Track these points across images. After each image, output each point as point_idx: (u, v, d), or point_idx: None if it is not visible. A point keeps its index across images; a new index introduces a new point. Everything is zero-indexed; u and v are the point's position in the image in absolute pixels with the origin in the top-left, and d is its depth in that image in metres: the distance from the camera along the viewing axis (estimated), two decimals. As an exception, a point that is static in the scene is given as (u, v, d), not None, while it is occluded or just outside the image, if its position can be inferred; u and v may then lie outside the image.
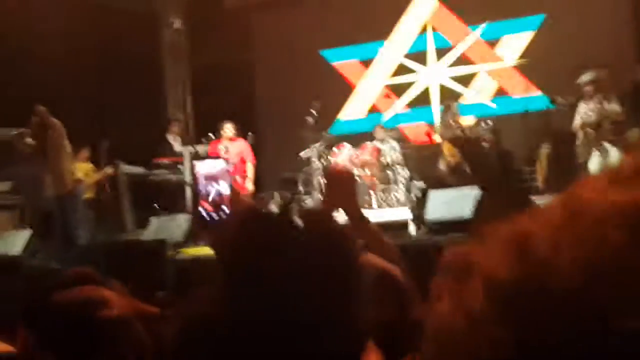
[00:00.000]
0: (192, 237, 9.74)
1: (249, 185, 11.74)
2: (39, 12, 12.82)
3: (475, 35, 14.32)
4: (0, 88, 12.43)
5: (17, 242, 10.02)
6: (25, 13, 12.67)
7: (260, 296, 1.28)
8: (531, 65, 13.52)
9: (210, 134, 11.88)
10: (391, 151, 12.05)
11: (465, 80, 14.37)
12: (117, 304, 2.42)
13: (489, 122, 12.05)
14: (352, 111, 15.26)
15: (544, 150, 11.57)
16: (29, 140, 9.82)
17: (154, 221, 10.32)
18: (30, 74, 12.54)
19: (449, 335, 0.66)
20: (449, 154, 11.65)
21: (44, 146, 9.76)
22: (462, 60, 14.45)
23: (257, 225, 1.37)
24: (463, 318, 0.65)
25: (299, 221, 1.35)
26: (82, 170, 12.02)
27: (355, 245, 1.40)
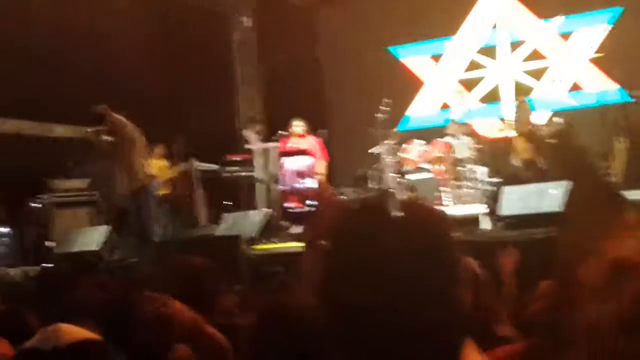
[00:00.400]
0: (264, 233, 9.81)
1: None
2: (111, 11, 13.06)
3: (549, 28, 14.10)
4: (77, 87, 12.71)
5: (95, 238, 10.25)
6: (97, 13, 12.92)
7: (364, 282, 1.30)
8: (608, 58, 13.24)
9: (280, 132, 11.95)
10: (462, 147, 11.95)
11: (538, 74, 14.16)
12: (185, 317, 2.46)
13: (564, 116, 11.86)
14: (422, 107, 15.17)
15: (622, 144, 11.34)
16: (104, 137, 10.02)
17: (227, 217, 10.43)
18: (105, 72, 12.81)
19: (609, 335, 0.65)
20: (522, 149, 11.51)
21: (118, 143, 9.94)
22: (536, 54, 14.24)
23: (358, 213, 1.39)
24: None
25: (396, 210, 1.37)
26: (156, 167, 12.22)
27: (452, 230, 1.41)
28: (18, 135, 13.30)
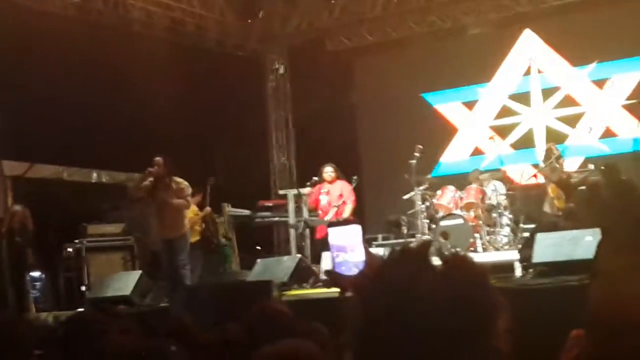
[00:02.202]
0: (296, 279, 9.80)
1: None
2: (149, 58, 13.29)
3: (582, 75, 14.08)
4: (113, 134, 12.91)
5: (128, 282, 10.30)
6: (135, 60, 13.15)
7: (401, 330, 1.30)
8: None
9: (314, 177, 11.99)
10: (496, 193, 11.89)
11: (572, 121, 14.11)
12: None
13: (597, 163, 11.77)
14: (455, 153, 15.16)
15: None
16: (146, 184, 10.15)
17: (260, 263, 10.44)
18: (140, 119, 13.00)
19: None
20: (555, 196, 11.43)
21: (164, 193, 10.07)
22: (569, 100, 14.21)
23: (398, 264, 1.39)
24: None
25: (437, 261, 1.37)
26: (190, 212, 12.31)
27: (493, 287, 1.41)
28: (57, 180, 13.51)
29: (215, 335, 4.37)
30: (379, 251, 10.23)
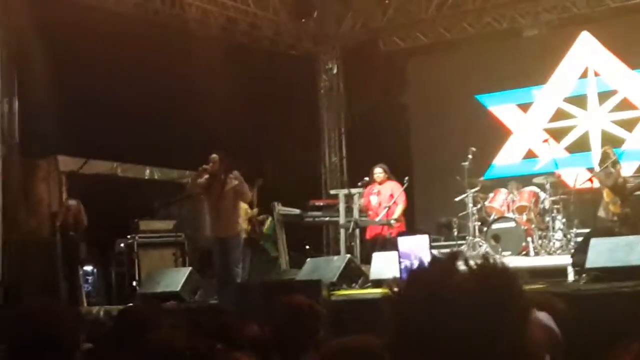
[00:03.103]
0: (345, 279, 9.78)
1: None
2: (203, 57, 13.39)
3: (640, 78, 13.82)
4: (163, 131, 13.04)
5: (178, 278, 10.39)
6: (190, 58, 13.27)
7: (434, 337, 1.30)
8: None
9: (366, 178, 11.96)
10: (549, 197, 11.73)
11: (628, 125, 13.86)
12: None
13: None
14: (508, 156, 15.00)
15: None
16: (202, 181, 10.12)
17: (310, 262, 10.45)
18: (194, 118, 13.10)
19: None
20: (610, 201, 11.24)
21: (219, 191, 10.03)
22: (626, 104, 13.96)
23: (428, 270, 1.39)
24: None
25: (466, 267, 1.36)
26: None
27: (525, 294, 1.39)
28: (111, 176, 13.70)
29: (259, 334, 4.38)
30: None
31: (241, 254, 10.38)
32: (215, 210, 10.11)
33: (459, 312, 1.29)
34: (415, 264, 1.47)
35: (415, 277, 1.38)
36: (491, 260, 1.37)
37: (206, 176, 10.00)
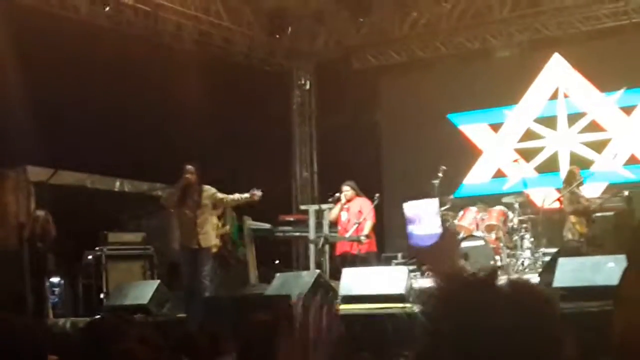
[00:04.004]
0: (315, 294, 9.77)
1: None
2: (177, 70, 13.37)
3: (610, 101, 14.01)
4: (134, 143, 12.98)
5: (146, 291, 10.33)
6: (164, 71, 13.24)
7: (465, 353, 1.33)
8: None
9: (337, 194, 11.99)
10: (518, 216, 11.83)
11: (597, 146, 14.03)
12: None
13: (623, 190, 11.70)
14: (478, 175, 15.11)
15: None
16: (173, 195, 10.14)
17: (279, 277, 10.43)
18: (164, 129, 13.06)
19: None
20: (577, 222, 11.36)
21: (193, 202, 10.03)
22: (595, 126, 14.14)
23: (466, 288, 1.41)
24: None
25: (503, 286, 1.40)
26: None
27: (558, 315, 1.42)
28: (81, 187, 13.59)
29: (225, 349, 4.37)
30: (400, 269, 10.19)
31: (210, 267, 10.36)
32: (190, 222, 10.08)
33: (493, 331, 1.32)
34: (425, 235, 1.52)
35: (453, 293, 1.40)
36: (527, 283, 1.41)
37: (180, 189, 10.05)
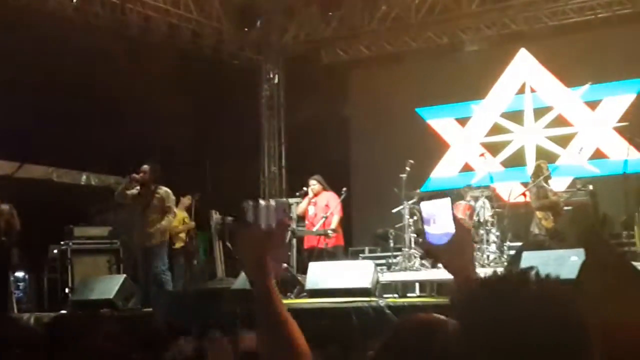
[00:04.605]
0: (280, 289, 9.76)
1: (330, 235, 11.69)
2: (144, 62, 13.28)
3: (575, 96, 14.15)
4: (101, 137, 12.89)
5: (112, 285, 10.27)
6: (131, 63, 13.15)
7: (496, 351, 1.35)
8: (632, 127, 13.21)
9: (305, 188, 12.00)
10: (484, 210, 11.90)
11: (563, 141, 14.17)
12: None
13: (588, 185, 11.82)
14: (445, 169, 15.20)
15: (644, 214, 11.24)
16: (132, 192, 10.17)
17: (246, 271, 10.41)
18: (131, 123, 12.99)
19: None
20: (543, 217, 11.45)
21: (146, 201, 10.09)
22: (561, 121, 14.28)
23: (496, 288, 1.44)
24: None
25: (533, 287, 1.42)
26: (178, 218, 12.30)
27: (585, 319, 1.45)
28: (46, 181, 13.48)
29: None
30: (367, 263, 10.22)
31: (173, 261, 10.40)
32: (140, 220, 10.14)
33: (522, 324, 1.35)
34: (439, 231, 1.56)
35: (488, 285, 1.44)
36: (554, 284, 1.44)
37: (137, 187, 10.09)
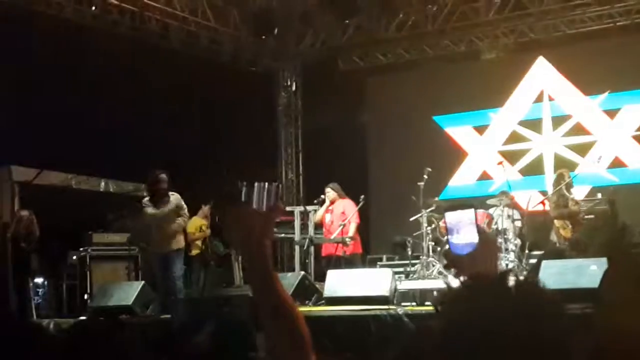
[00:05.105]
0: (298, 295, 9.78)
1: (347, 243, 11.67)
2: (163, 70, 13.35)
3: (594, 104, 14.10)
4: (120, 144, 12.96)
5: (130, 292, 10.31)
6: (149, 71, 13.22)
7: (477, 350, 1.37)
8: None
9: (322, 196, 12.00)
10: (503, 218, 11.85)
11: (581, 149, 14.10)
12: None
13: (605, 193, 11.76)
14: (463, 177, 15.16)
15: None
16: (147, 201, 10.23)
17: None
18: (150, 130, 13.04)
19: None
20: (561, 226, 11.39)
21: (164, 208, 10.15)
22: (579, 129, 14.22)
23: (476, 289, 1.47)
24: None
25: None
26: (196, 225, 12.33)
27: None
28: (65, 187, 13.54)
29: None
30: (385, 271, 10.20)
31: (191, 268, 10.41)
32: (158, 227, 10.18)
33: (504, 317, 1.37)
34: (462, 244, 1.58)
35: (474, 284, 1.47)
36: (532, 285, 1.47)
37: (148, 198, 10.20)
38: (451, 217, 2.19)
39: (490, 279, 1.47)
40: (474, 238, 2.14)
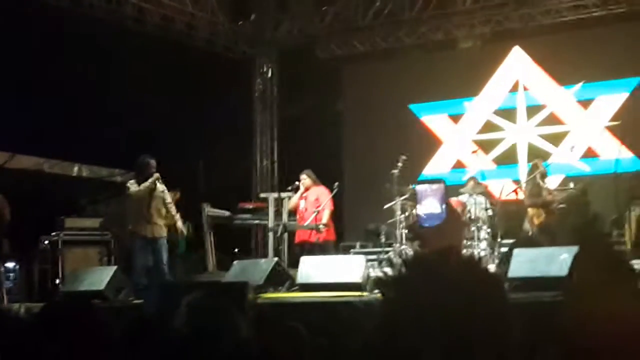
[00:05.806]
0: (272, 282, 9.79)
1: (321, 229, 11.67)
2: (138, 54, 13.27)
3: (568, 95, 14.18)
4: (94, 128, 12.88)
5: (103, 277, 10.26)
6: (124, 55, 13.13)
7: (417, 331, 1.40)
8: (623, 127, 13.24)
9: (296, 182, 12.00)
10: (476, 206, 11.90)
11: (555, 139, 14.20)
12: None
13: (578, 182, 11.84)
14: (437, 165, 15.21)
15: (635, 212, 11.29)
16: (133, 185, 10.21)
17: (237, 264, 10.43)
18: (124, 114, 12.97)
19: None
20: (534, 214, 11.47)
21: (149, 194, 10.13)
22: (553, 119, 14.30)
23: (417, 269, 1.48)
24: None
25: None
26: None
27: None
28: (38, 172, 13.44)
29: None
30: (358, 258, 10.23)
31: (165, 255, 10.44)
32: (149, 212, 10.17)
33: (448, 288, 1.40)
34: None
35: (417, 260, 1.49)
36: (474, 265, 1.48)
37: (132, 181, 10.20)
38: (421, 187, 2.21)
39: (454, 252, 1.49)
40: (438, 209, 2.17)
